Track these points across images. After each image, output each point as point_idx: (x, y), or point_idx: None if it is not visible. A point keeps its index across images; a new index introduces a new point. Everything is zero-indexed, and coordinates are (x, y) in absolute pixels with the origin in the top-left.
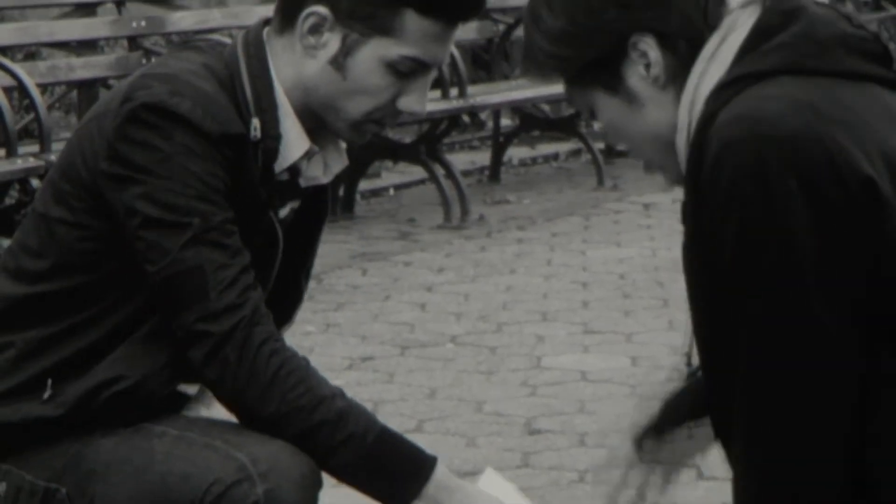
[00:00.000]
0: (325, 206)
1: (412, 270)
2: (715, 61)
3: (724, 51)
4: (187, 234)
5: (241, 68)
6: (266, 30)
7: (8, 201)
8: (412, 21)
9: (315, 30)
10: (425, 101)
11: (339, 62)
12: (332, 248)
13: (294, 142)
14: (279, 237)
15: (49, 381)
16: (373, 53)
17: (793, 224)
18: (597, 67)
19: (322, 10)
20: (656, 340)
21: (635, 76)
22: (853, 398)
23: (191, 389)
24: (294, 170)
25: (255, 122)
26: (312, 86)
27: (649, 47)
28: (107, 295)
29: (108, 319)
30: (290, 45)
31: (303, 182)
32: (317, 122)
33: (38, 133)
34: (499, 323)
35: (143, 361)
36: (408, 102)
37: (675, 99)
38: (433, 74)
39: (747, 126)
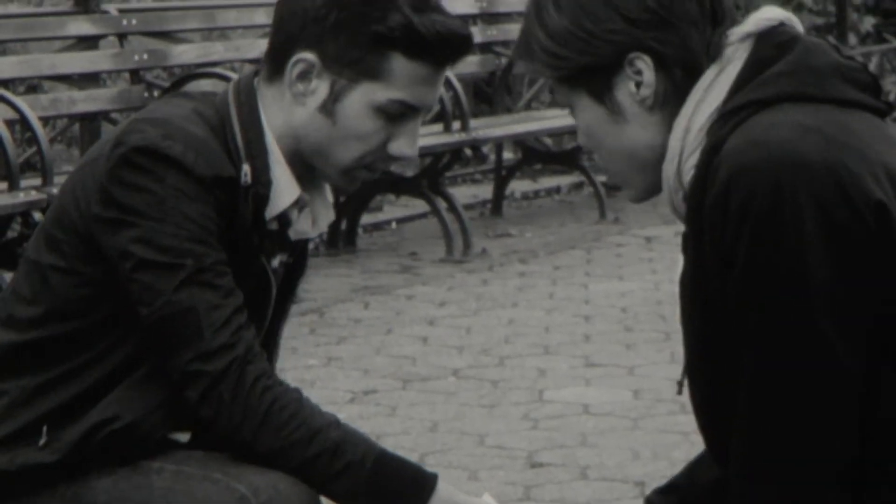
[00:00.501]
0: (304, 262)
1: (414, 304)
2: (712, 91)
3: (722, 81)
4: (181, 276)
5: (232, 115)
6: (256, 79)
7: (10, 234)
8: (400, 65)
9: (303, 77)
10: (416, 145)
11: (328, 108)
12: (334, 281)
13: (284, 188)
14: (272, 282)
15: (44, 428)
16: (361, 98)
17: (805, 247)
18: (589, 73)
19: (310, 56)
20: (658, 373)
21: (624, 91)
22: (856, 416)
23: (183, 437)
24: (284, 221)
25: (246, 168)
26: (303, 133)
27: (646, 67)
28: (100, 340)
29: (101, 364)
30: (279, 94)
31: (292, 234)
32: (307, 170)
33: (40, 166)
34: (501, 356)
35: (138, 403)
36: (398, 147)
37: (660, 122)
38: (422, 118)
39: (759, 151)
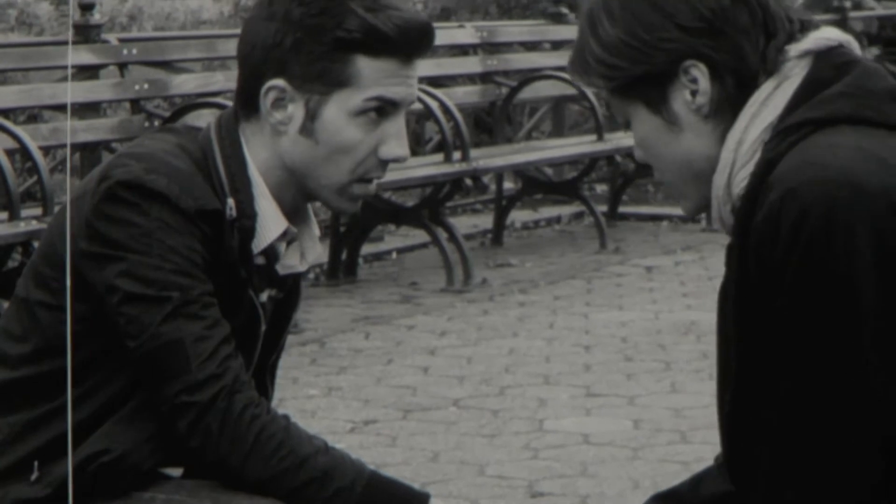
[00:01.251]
0: (296, 297)
1: (415, 334)
2: (767, 106)
3: (778, 96)
4: (167, 309)
5: (215, 150)
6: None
7: (10, 264)
8: (366, 65)
9: (278, 105)
10: (406, 144)
11: (308, 128)
12: (334, 311)
13: (270, 221)
14: (260, 315)
15: (36, 463)
16: (337, 109)
17: (855, 271)
18: (644, 83)
19: (279, 82)
20: (658, 403)
21: (680, 100)
22: (883, 442)
23: (175, 472)
24: (271, 255)
25: (231, 202)
26: (290, 160)
27: (701, 75)
28: (90, 376)
29: (91, 399)
30: (259, 129)
31: (280, 269)
32: (299, 201)
33: (40, 196)
34: (501, 386)
35: (127, 435)
36: (389, 149)
37: (714, 132)
38: (403, 115)
39: (815, 172)
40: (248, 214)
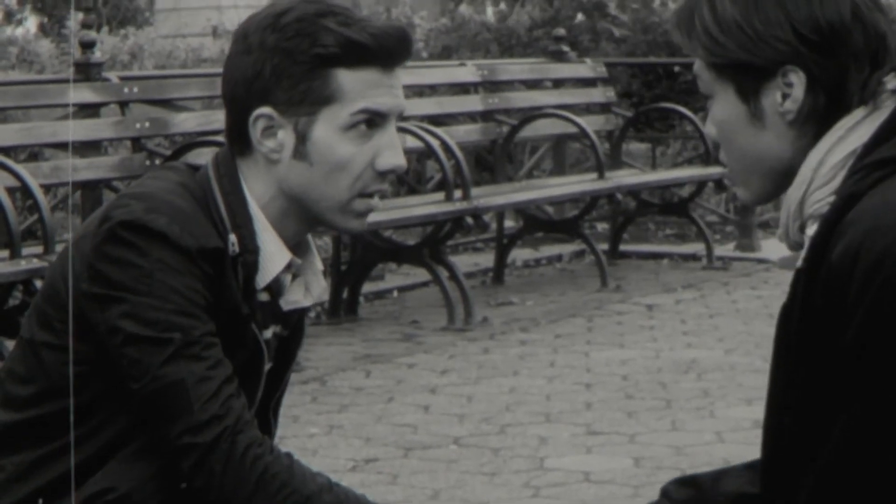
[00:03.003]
0: (300, 334)
1: (416, 372)
2: (854, 132)
3: (865, 126)
4: (168, 350)
5: (214, 187)
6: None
7: (12, 302)
8: (347, 78)
9: (267, 133)
10: (401, 153)
11: (300, 152)
12: (335, 349)
13: (274, 255)
14: (264, 352)
15: (40, 501)
16: (326, 127)
17: None
18: (743, 70)
19: (264, 110)
20: (659, 441)
21: (770, 99)
22: None
23: None
24: (276, 290)
25: (233, 238)
26: (288, 188)
27: (798, 83)
28: (93, 415)
29: (96, 438)
30: (254, 163)
31: (284, 305)
32: (300, 232)
33: (41, 234)
34: (502, 424)
35: (130, 475)
36: (385, 160)
37: (795, 140)
38: (394, 125)
39: None
40: (250, 249)
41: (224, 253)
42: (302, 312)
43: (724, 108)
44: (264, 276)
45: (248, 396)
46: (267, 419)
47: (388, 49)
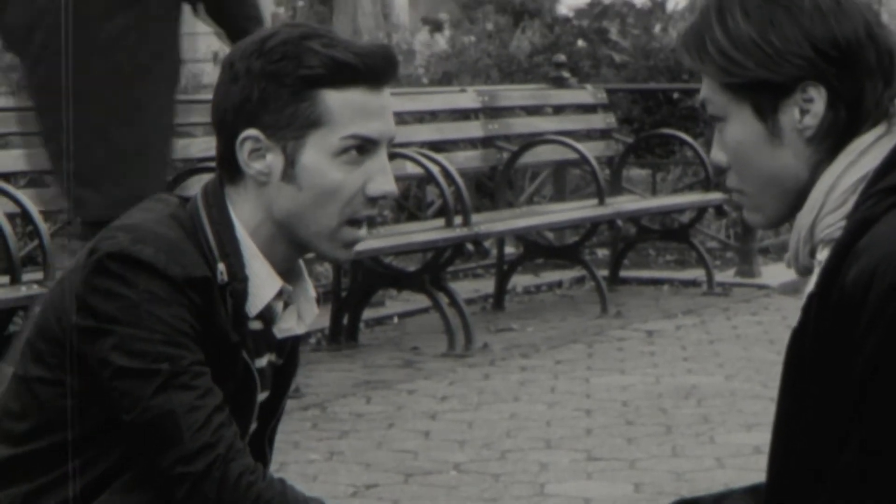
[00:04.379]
0: (295, 361)
1: (416, 398)
2: (866, 156)
3: (876, 150)
4: (157, 381)
5: (202, 217)
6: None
7: (12, 328)
8: (334, 99)
9: (255, 155)
10: (391, 180)
11: (289, 175)
12: (336, 376)
13: (265, 282)
14: (256, 380)
15: None
16: (316, 150)
17: None
18: (761, 88)
19: (251, 132)
20: (660, 467)
21: (789, 116)
22: None
23: None
24: (268, 318)
25: (221, 267)
26: (277, 211)
27: (818, 97)
28: (88, 447)
29: (90, 470)
30: (243, 188)
31: (277, 333)
32: (290, 259)
33: (41, 260)
34: (502, 450)
35: None
36: (375, 186)
37: (811, 158)
38: (385, 150)
39: None
40: (239, 278)
41: (212, 282)
42: (296, 340)
43: (739, 130)
44: (255, 304)
45: (241, 425)
46: (262, 448)
47: (373, 68)
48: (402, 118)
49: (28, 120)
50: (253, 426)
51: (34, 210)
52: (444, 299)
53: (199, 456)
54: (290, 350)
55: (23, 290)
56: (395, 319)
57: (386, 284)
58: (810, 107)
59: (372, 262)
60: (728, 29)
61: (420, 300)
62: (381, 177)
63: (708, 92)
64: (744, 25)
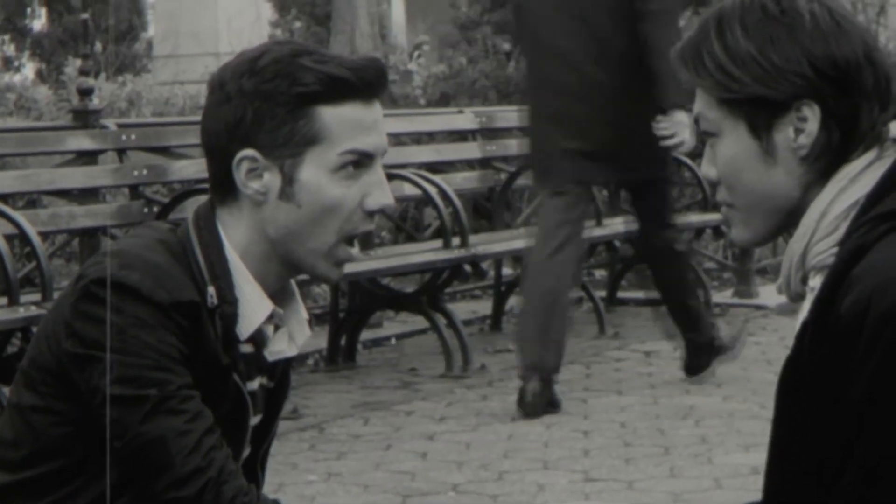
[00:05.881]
0: (286, 384)
1: (414, 419)
2: (858, 182)
3: (866, 177)
4: (146, 407)
5: (193, 240)
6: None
7: (10, 349)
8: (330, 115)
9: (252, 175)
10: (389, 193)
11: (287, 193)
12: (334, 397)
13: (255, 305)
14: (247, 403)
15: None
16: (314, 168)
17: None
18: (756, 105)
19: (248, 152)
20: (658, 488)
21: (783, 134)
22: None
23: None
24: (259, 341)
25: (211, 290)
26: (274, 230)
27: (812, 117)
28: (81, 473)
29: (83, 495)
30: (237, 209)
31: (269, 356)
32: (281, 280)
33: (39, 282)
34: (500, 471)
35: None
36: (374, 200)
37: (803, 177)
38: (381, 164)
39: None
40: (229, 301)
41: (199, 305)
42: (287, 363)
43: (733, 146)
44: (246, 327)
45: (234, 448)
46: (255, 471)
47: (367, 81)
48: (399, 139)
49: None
50: (246, 451)
51: (32, 231)
52: (441, 320)
53: (190, 480)
54: (281, 373)
55: (21, 312)
56: (393, 341)
57: (384, 306)
58: (804, 126)
59: (369, 283)
60: (727, 44)
61: (418, 321)
62: (379, 190)
63: (702, 107)
64: (743, 41)
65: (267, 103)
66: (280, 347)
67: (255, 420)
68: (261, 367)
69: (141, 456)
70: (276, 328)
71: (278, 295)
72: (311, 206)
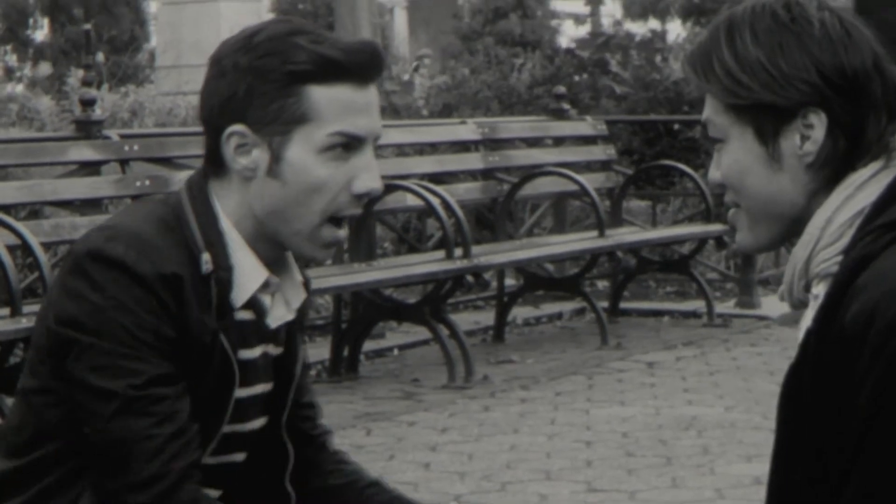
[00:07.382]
0: (295, 352)
1: (416, 430)
2: (863, 190)
3: (872, 185)
4: (114, 405)
5: (187, 208)
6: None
7: (13, 360)
8: (320, 95)
9: (241, 150)
10: (377, 177)
11: (274, 170)
12: (336, 408)
13: (250, 272)
14: (235, 371)
15: None
16: (301, 146)
17: None
18: (763, 111)
19: (237, 127)
20: (660, 498)
21: (790, 141)
22: None
23: None
24: (258, 309)
25: (206, 256)
26: (259, 206)
27: (819, 124)
28: (78, 456)
29: (81, 479)
30: (227, 182)
31: (271, 322)
32: (275, 250)
33: (41, 292)
34: (503, 482)
35: None
36: (361, 184)
37: (808, 184)
38: (372, 148)
39: None
40: (224, 267)
41: (182, 279)
42: (290, 327)
43: (740, 152)
44: (241, 294)
45: (214, 419)
46: (281, 440)
47: (360, 64)
48: (402, 150)
49: None
50: (262, 420)
51: (34, 241)
52: (444, 331)
53: (146, 487)
54: (287, 339)
55: (23, 322)
56: (396, 351)
57: (386, 316)
58: (811, 133)
59: (372, 294)
60: (736, 50)
61: (420, 332)
62: (367, 174)
63: (711, 113)
64: (752, 48)
65: (258, 79)
66: (279, 313)
67: (265, 388)
68: (262, 334)
69: (103, 451)
70: (272, 295)
71: (273, 265)
72: (296, 185)
